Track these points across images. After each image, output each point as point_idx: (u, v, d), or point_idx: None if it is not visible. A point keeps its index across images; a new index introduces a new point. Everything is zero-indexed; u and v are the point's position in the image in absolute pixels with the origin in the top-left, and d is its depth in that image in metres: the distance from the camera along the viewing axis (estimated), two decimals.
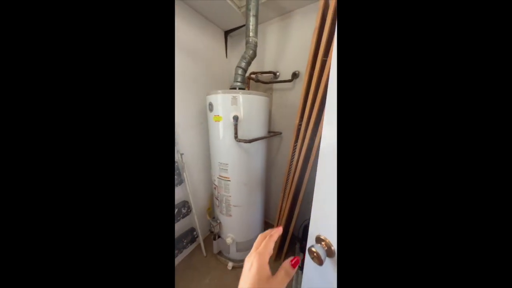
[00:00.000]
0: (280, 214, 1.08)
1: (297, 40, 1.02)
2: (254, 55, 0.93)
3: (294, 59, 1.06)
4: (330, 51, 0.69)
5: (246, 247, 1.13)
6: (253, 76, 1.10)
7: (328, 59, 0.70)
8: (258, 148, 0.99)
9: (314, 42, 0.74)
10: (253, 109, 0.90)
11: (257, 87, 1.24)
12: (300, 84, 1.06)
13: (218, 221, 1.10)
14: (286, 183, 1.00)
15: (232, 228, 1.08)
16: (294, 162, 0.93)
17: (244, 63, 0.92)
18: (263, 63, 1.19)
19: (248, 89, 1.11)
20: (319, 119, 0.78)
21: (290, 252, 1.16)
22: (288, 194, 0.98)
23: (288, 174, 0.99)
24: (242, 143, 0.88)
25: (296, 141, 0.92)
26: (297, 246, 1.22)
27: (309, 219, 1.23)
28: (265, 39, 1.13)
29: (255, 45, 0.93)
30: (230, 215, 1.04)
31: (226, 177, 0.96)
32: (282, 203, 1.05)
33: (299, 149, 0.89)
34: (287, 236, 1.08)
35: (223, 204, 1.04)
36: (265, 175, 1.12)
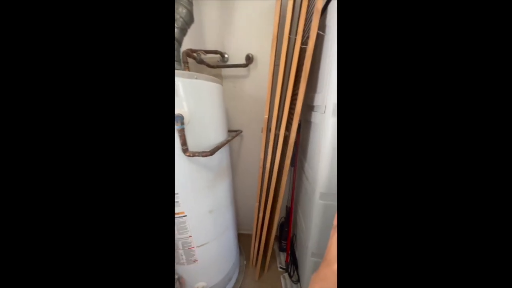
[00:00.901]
0: (257, 225, 0.92)
1: (248, 14, 0.81)
2: (190, 18, 0.60)
3: (246, 39, 0.85)
4: (300, 25, 0.56)
5: (224, 283, 0.87)
6: (194, 54, 0.75)
7: (298, 35, 0.57)
8: (222, 157, 0.72)
9: (278, 13, 0.58)
10: (205, 102, 0.60)
11: (200, 72, 0.90)
12: (257, 71, 0.89)
13: (177, 276, 0.73)
14: (261, 190, 0.84)
15: (202, 274, 0.77)
16: (268, 163, 0.78)
17: (176, 29, 0.56)
18: (204, 40, 0.86)
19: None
20: (293, 108, 0.67)
21: (271, 258, 1.06)
22: (266, 202, 0.83)
23: (262, 179, 0.83)
24: (199, 158, 0.57)
25: (267, 138, 0.76)
26: (275, 246, 1.16)
27: (284, 216, 1.16)
28: (200, 7, 0.80)
29: (190, 2, 0.59)
30: (195, 261, 0.72)
31: (178, 213, 0.61)
32: (258, 213, 0.89)
33: (272, 147, 0.75)
34: (269, 245, 0.96)
35: (180, 251, 0.68)
36: (233, 187, 0.88)
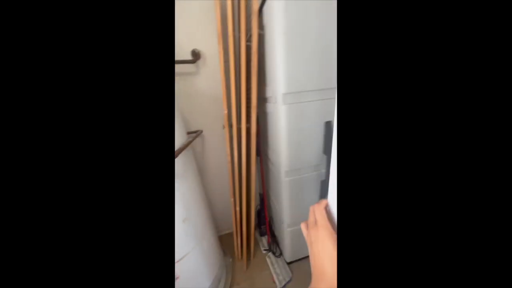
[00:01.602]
0: (236, 219, 0.94)
1: (187, 10, 0.76)
2: None
3: (188, 34, 0.80)
4: (242, 25, 0.61)
5: (214, 287, 0.84)
6: None
7: (241, 34, 0.62)
8: (186, 161, 0.67)
9: (219, 12, 0.59)
10: None
11: None
12: (206, 67, 0.87)
13: None
14: (234, 183, 0.86)
15: None
16: (236, 157, 0.81)
17: None
18: None
19: None
20: (249, 102, 0.72)
21: (255, 245, 1.13)
22: (240, 194, 0.87)
23: (233, 173, 0.85)
24: None
25: (230, 133, 0.78)
26: (256, 233, 1.23)
27: (259, 204, 1.24)
28: None
29: None
30: (177, 278, 0.65)
31: None
32: (235, 207, 0.91)
33: (237, 141, 0.78)
34: (250, 235, 1.01)
35: None
36: (203, 190, 0.84)
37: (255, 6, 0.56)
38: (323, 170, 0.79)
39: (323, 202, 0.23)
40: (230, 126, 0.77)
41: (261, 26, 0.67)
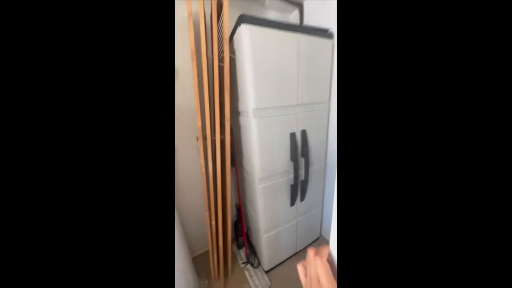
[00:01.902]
0: (212, 234, 0.90)
1: None
2: None
3: None
4: (214, 48, 0.68)
5: None
6: None
7: (214, 56, 0.68)
8: None
9: (192, 32, 0.65)
10: None
11: None
12: (177, 81, 0.88)
13: None
14: (209, 196, 0.85)
15: None
16: (210, 168, 0.82)
17: None
18: None
19: None
20: (223, 115, 0.77)
21: (233, 259, 1.09)
22: (216, 206, 0.85)
23: (208, 185, 0.84)
24: None
25: (204, 145, 0.79)
26: (234, 246, 1.19)
27: (236, 215, 1.24)
28: None
29: None
30: None
31: None
32: (211, 221, 0.89)
33: (211, 152, 0.80)
34: (227, 250, 0.98)
35: None
36: (176, 207, 0.79)
37: (226, 34, 0.65)
38: (292, 175, 0.89)
39: (325, 250, 0.19)
40: (204, 138, 0.79)
41: (232, 51, 0.76)
